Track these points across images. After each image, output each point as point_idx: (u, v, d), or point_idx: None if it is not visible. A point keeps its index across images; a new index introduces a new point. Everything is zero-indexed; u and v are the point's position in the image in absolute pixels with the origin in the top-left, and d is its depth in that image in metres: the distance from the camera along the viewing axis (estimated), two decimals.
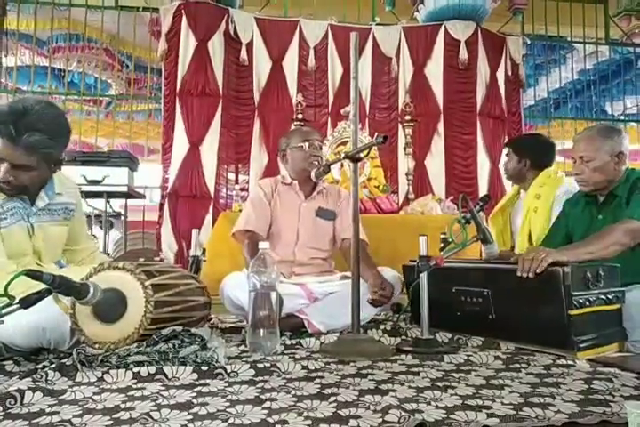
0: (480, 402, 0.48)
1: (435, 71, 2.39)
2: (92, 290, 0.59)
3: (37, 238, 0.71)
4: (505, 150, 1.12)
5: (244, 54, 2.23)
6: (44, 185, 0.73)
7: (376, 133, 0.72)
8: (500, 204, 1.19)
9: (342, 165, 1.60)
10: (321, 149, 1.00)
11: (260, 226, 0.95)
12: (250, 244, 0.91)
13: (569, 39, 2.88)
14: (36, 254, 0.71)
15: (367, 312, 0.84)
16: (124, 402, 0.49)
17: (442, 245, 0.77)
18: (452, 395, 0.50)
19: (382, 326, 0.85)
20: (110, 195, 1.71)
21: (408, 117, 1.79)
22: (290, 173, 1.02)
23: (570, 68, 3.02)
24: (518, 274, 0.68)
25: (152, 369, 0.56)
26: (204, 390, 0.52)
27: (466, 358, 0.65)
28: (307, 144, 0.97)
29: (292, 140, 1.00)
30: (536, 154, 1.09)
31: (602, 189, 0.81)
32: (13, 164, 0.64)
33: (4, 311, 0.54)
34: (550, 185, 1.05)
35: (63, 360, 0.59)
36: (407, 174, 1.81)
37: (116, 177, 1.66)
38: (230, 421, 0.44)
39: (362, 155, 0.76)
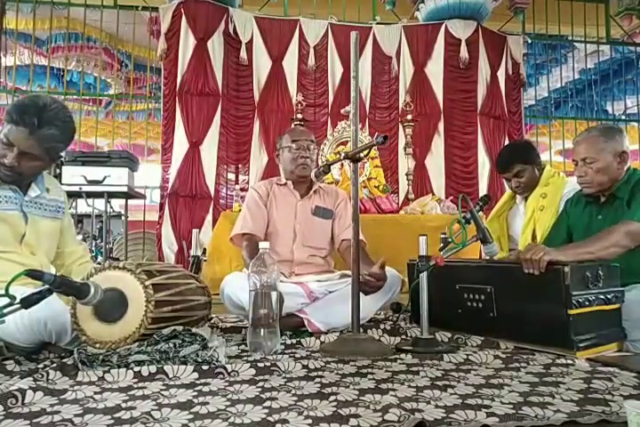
0: (479, 401, 0.48)
1: (435, 70, 2.40)
2: (92, 290, 0.59)
3: (30, 229, 0.72)
4: (511, 172, 1.04)
5: (243, 53, 2.24)
6: (34, 179, 0.74)
7: (376, 133, 0.72)
8: (494, 209, 1.18)
9: (342, 165, 1.61)
10: (313, 150, 0.97)
11: (258, 228, 0.94)
12: (249, 245, 0.90)
13: (570, 38, 2.88)
14: (27, 247, 0.71)
15: (367, 311, 0.83)
16: (124, 401, 0.48)
17: (442, 244, 0.77)
18: (451, 394, 0.50)
19: (382, 326, 0.84)
20: (111, 195, 1.71)
21: (408, 117, 1.79)
22: (283, 172, 1.03)
23: (571, 67, 3.02)
24: (525, 271, 0.68)
25: (153, 368, 0.56)
26: (205, 389, 0.52)
27: (465, 357, 0.64)
28: (295, 145, 0.96)
29: (284, 141, 0.99)
30: (538, 156, 1.10)
31: (605, 189, 0.80)
32: (22, 151, 0.68)
33: (5, 311, 0.54)
34: (555, 184, 1.05)
35: (64, 360, 0.60)
36: (407, 174, 1.82)
37: (116, 177, 1.66)
38: (231, 420, 0.44)
39: (362, 155, 0.75)
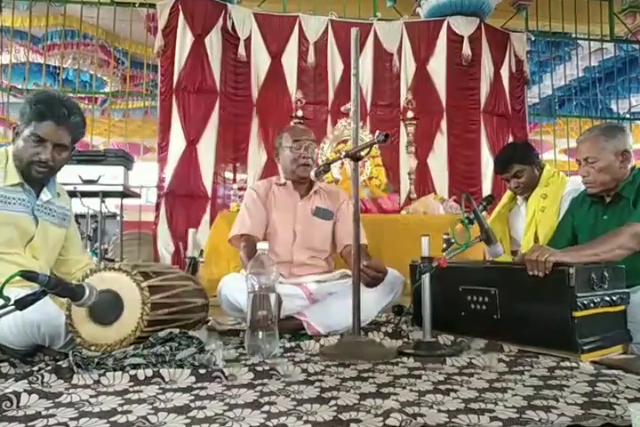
0: (483, 405, 0.47)
1: (437, 67, 2.37)
2: (87, 292, 0.58)
3: (39, 233, 0.72)
4: (510, 173, 1.04)
5: (241, 50, 2.21)
6: (46, 183, 0.75)
7: (377, 131, 0.70)
8: (495, 211, 1.17)
9: (342, 164, 1.59)
10: (313, 149, 0.95)
11: (256, 228, 0.93)
12: (247, 246, 0.88)
13: (573, 36, 2.86)
14: (31, 251, 0.71)
15: (368, 314, 0.82)
16: (120, 405, 0.48)
17: (444, 245, 0.75)
18: (454, 398, 0.50)
19: (383, 329, 0.83)
20: (106, 194, 1.69)
21: (410, 115, 1.76)
22: (283, 172, 1.00)
23: (575, 64, 3.00)
24: (529, 273, 0.67)
25: (149, 372, 0.56)
26: (202, 393, 0.51)
27: (468, 360, 0.64)
28: (296, 145, 0.94)
29: (284, 140, 0.97)
30: (537, 156, 1.09)
31: (609, 189, 0.80)
32: (55, 143, 0.70)
33: None
34: (556, 184, 1.05)
35: (59, 363, 0.58)
36: (409, 173, 1.80)
37: (111, 176, 1.64)
38: (228, 425, 0.43)
39: (363, 153, 0.74)
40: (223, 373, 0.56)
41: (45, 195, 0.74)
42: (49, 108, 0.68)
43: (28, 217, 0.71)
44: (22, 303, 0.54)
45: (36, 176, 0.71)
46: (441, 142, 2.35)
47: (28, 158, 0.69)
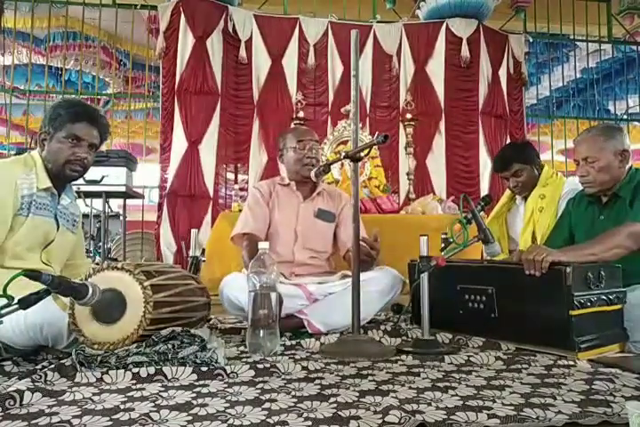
0: (481, 403, 0.48)
1: (436, 69, 2.38)
2: (90, 291, 0.59)
3: (58, 238, 0.73)
4: (510, 171, 1.05)
5: (242, 52, 2.22)
6: (62, 188, 0.77)
7: (377, 132, 0.71)
8: (494, 211, 1.18)
9: (342, 165, 1.60)
10: (317, 150, 0.98)
11: (259, 227, 0.94)
12: (249, 245, 0.89)
13: (572, 37, 2.86)
14: (46, 255, 0.72)
15: (367, 312, 0.83)
16: (123, 403, 0.48)
17: (443, 245, 0.76)
18: (452, 396, 0.50)
19: (383, 327, 0.84)
20: (109, 195, 1.71)
21: (409, 116, 1.77)
22: (287, 173, 1.01)
23: (572, 66, 3.01)
24: (526, 272, 0.68)
25: (151, 370, 0.56)
26: (204, 390, 0.52)
27: (466, 358, 0.65)
28: (300, 145, 0.95)
29: (288, 141, 0.98)
30: (537, 156, 1.10)
31: (607, 189, 0.80)
32: (90, 143, 0.74)
33: (2, 312, 0.54)
34: (554, 185, 1.05)
35: (62, 361, 0.59)
36: (408, 174, 1.81)
37: (114, 177, 1.66)
38: (230, 422, 0.44)
39: (362, 154, 0.75)
40: (225, 370, 0.57)
41: (64, 199, 0.76)
42: (84, 110, 0.73)
43: (52, 221, 0.72)
44: (26, 302, 0.55)
45: (70, 175, 0.73)
46: (439, 143, 2.36)
47: (66, 158, 0.71)
